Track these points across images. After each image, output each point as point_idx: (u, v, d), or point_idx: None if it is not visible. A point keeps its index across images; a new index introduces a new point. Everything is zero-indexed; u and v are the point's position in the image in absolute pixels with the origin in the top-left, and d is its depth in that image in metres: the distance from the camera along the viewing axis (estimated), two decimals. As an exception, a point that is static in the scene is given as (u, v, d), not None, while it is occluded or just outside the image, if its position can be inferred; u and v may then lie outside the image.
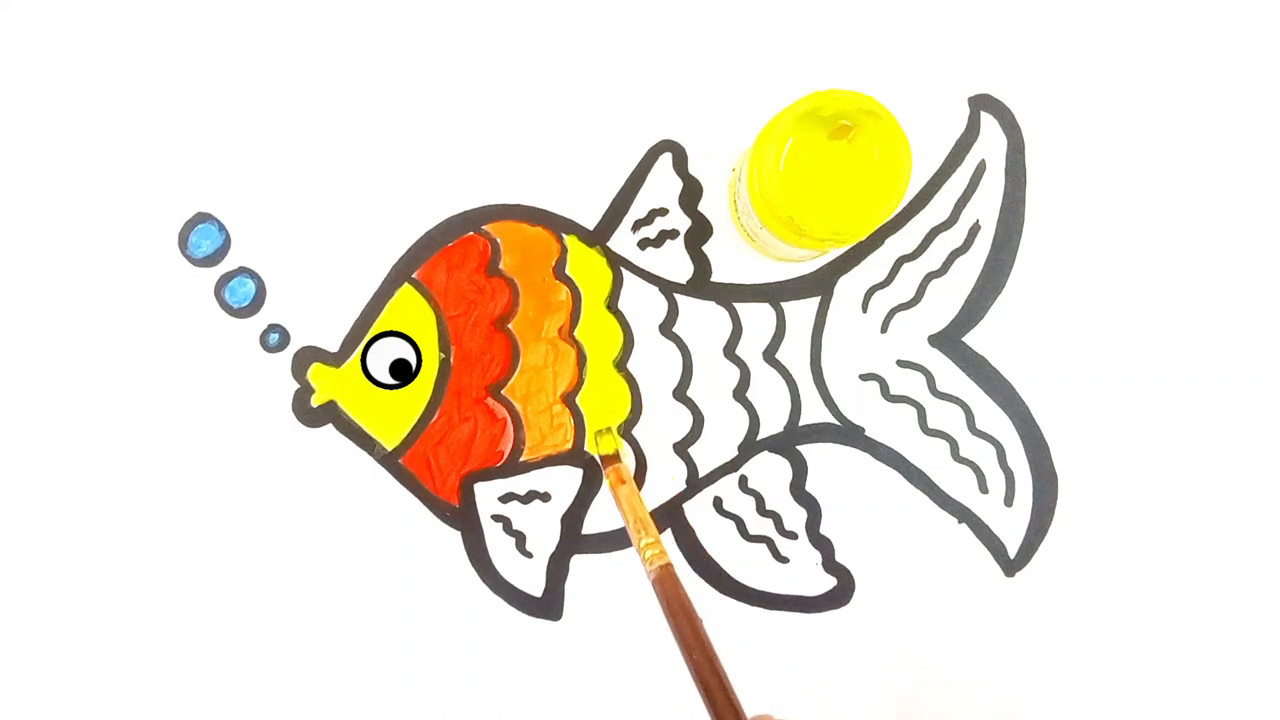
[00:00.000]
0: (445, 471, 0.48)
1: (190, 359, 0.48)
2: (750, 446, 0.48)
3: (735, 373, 0.48)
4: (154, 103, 0.48)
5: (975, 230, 0.48)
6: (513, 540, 0.48)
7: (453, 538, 0.48)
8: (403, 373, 0.48)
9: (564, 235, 0.48)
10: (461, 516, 0.48)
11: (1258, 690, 0.47)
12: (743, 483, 0.48)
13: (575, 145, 0.48)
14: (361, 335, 0.48)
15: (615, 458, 0.46)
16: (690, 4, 0.48)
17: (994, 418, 0.48)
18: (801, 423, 0.48)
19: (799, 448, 0.48)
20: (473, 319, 0.48)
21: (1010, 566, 0.48)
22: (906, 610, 0.48)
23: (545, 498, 0.48)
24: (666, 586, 0.39)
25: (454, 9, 0.48)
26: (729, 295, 0.48)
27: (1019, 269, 0.48)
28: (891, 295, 0.48)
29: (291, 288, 0.48)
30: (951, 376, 0.48)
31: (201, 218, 0.48)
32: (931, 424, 0.48)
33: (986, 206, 0.48)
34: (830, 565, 0.48)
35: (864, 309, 0.48)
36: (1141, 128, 0.47)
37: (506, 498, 0.48)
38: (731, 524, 0.48)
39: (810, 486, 0.48)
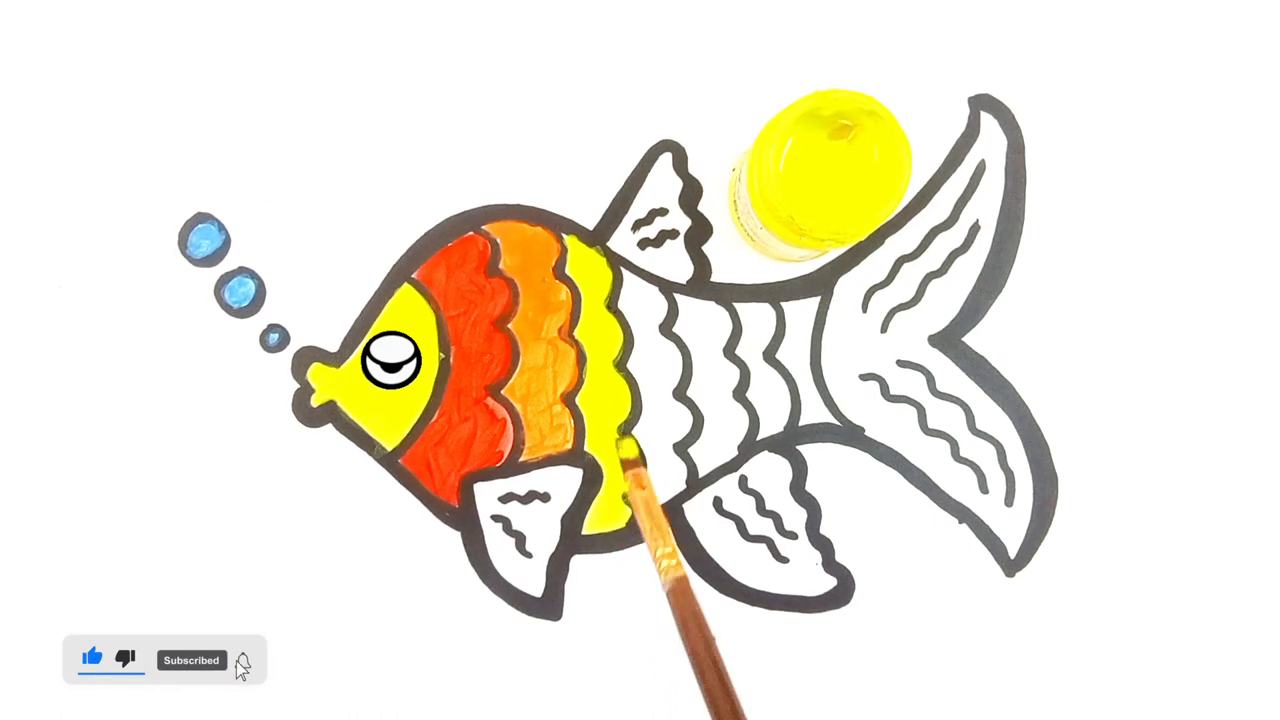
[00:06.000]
0: (445, 471, 0.48)
1: (190, 359, 0.48)
2: (750, 446, 0.48)
3: (735, 373, 0.48)
4: (154, 103, 0.48)
5: (975, 230, 0.48)
6: (513, 540, 0.48)
7: (453, 538, 0.48)
8: (399, 357, 0.48)
9: (564, 235, 0.48)
10: (461, 516, 0.48)
11: (1258, 690, 0.47)
12: (743, 483, 0.48)
13: (575, 145, 0.48)
14: (361, 335, 0.48)
15: (637, 462, 0.46)
16: (690, 4, 0.48)
17: (994, 418, 0.48)
18: (801, 423, 0.48)
19: (799, 448, 0.48)
20: (472, 319, 0.48)
21: (1010, 566, 0.48)
22: (906, 610, 0.48)
23: (545, 498, 0.48)
24: (681, 600, 0.38)
25: (454, 9, 0.48)
26: (729, 295, 0.48)
27: (1019, 269, 0.48)
28: (891, 295, 0.48)
29: (291, 288, 0.48)
30: (951, 376, 0.48)
31: (201, 218, 0.48)
32: (931, 424, 0.48)
33: (986, 206, 0.48)
34: (830, 565, 0.48)
35: (864, 309, 0.48)
36: (1142, 128, 0.47)
37: (506, 498, 0.48)
38: (731, 524, 0.48)
39: (810, 486, 0.48)
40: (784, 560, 0.48)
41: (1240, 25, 0.47)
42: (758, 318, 0.48)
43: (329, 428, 0.48)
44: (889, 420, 0.48)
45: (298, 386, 0.48)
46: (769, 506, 0.48)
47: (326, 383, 0.48)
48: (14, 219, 0.48)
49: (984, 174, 0.47)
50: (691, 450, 0.48)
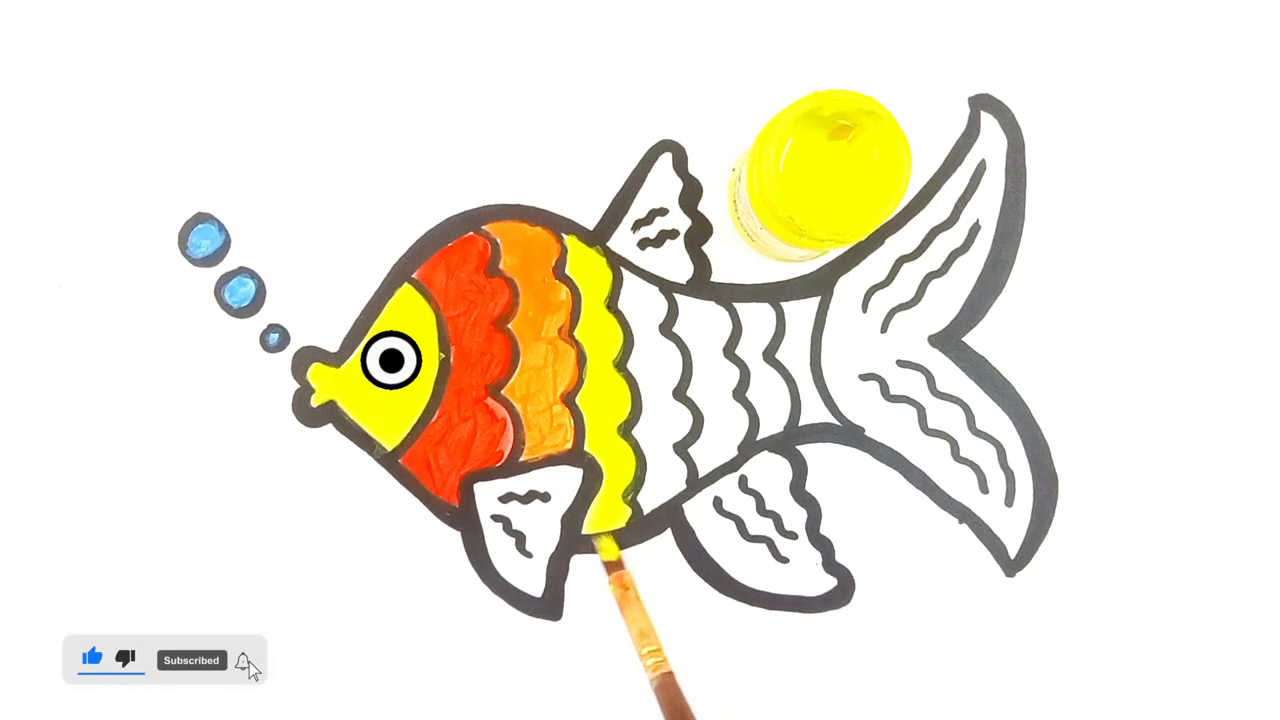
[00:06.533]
0: (445, 471, 0.48)
1: (190, 359, 0.48)
2: (750, 446, 0.48)
3: (735, 373, 0.48)
4: (154, 102, 0.48)
5: (975, 230, 0.48)
6: (513, 540, 0.48)
7: (453, 538, 0.48)
8: (393, 363, 0.48)
9: (564, 235, 0.48)
10: (461, 516, 0.48)
11: (1258, 690, 0.47)
12: (743, 483, 0.48)
13: (575, 145, 0.48)
14: (361, 335, 0.48)
15: (618, 564, 0.46)
16: (690, 4, 0.48)
17: (994, 418, 0.48)
18: (801, 423, 0.48)
19: (799, 448, 0.48)
20: (473, 319, 0.48)
21: (1010, 566, 0.48)
22: (906, 610, 0.48)
23: (545, 498, 0.48)
24: (668, 695, 0.40)
25: (454, 9, 0.48)
26: (729, 295, 0.48)
27: (1019, 269, 0.48)
28: (891, 295, 0.48)
29: (291, 288, 0.48)
30: (951, 376, 0.48)
31: (201, 218, 0.48)
32: (931, 424, 0.48)
33: (986, 206, 0.48)
34: (830, 565, 0.48)
35: (864, 309, 0.48)
36: (1142, 128, 0.47)
37: (506, 498, 0.48)
38: (731, 524, 0.48)
39: (810, 486, 0.48)
40: (784, 560, 0.48)
41: (1240, 25, 0.47)
42: (758, 318, 0.48)
43: (329, 428, 0.48)
44: (889, 420, 0.48)
45: (298, 386, 0.48)
46: (769, 506, 0.48)
47: (326, 383, 0.48)
48: (14, 219, 0.48)
49: (984, 174, 0.47)
50: (691, 450, 0.48)
